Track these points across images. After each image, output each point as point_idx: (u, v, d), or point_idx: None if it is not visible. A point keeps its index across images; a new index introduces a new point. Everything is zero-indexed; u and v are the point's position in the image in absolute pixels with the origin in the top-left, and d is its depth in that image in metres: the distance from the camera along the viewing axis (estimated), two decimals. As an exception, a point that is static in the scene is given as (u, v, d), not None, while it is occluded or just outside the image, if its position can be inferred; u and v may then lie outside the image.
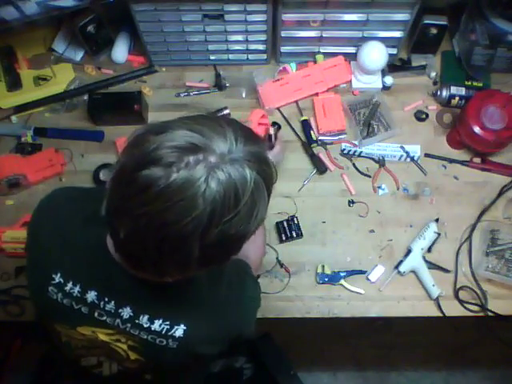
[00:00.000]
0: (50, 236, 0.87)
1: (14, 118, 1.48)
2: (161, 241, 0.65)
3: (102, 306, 0.83)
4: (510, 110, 1.31)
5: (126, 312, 0.83)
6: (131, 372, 0.96)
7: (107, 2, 1.28)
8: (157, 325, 0.83)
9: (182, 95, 1.50)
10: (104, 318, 0.84)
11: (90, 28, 1.44)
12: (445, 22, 1.41)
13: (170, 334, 0.83)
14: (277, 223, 1.33)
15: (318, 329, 1.97)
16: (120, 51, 1.52)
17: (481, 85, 1.48)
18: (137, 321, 0.83)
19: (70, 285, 0.83)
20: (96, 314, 0.84)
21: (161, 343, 0.84)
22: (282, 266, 1.30)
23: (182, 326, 0.83)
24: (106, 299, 0.83)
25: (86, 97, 1.48)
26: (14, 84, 1.49)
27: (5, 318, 1.28)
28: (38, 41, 1.53)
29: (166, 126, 0.66)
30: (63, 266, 0.85)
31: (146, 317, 0.83)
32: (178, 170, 0.61)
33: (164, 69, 1.54)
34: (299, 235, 1.32)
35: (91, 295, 0.83)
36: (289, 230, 1.32)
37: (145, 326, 0.83)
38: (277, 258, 1.31)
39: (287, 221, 1.33)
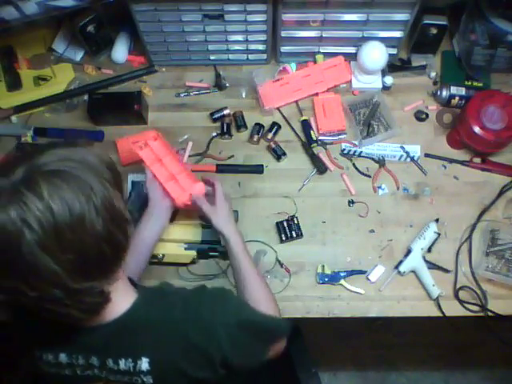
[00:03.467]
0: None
1: (14, 118, 1.48)
2: (26, 279, 0.67)
3: (76, 363, 0.84)
4: (510, 110, 1.31)
5: (95, 361, 0.83)
6: None
7: (107, 2, 1.28)
8: (122, 365, 0.82)
9: (182, 95, 1.50)
10: (86, 372, 0.84)
11: (90, 28, 1.44)
12: (445, 22, 1.41)
13: (137, 370, 0.82)
14: (277, 223, 1.33)
15: (318, 329, 1.97)
16: (120, 51, 1.52)
17: (481, 85, 1.48)
18: (107, 366, 0.83)
19: (45, 355, 0.84)
20: (79, 372, 0.84)
21: (137, 382, 0.83)
22: (282, 265, 1.30)
23: (145, 359, 0.81)
24: (74, 356, 0.83)
25: (86, 97, 1.48)
26: (14, 84, 1.49)
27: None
28: (38, 41, 1.53)
29: None
30: (37, 339, 0.86)
31: (111, 360, 0.82)
32: None
33: (164, 69, 1.54)
34: (299, 235, 1.32)
35: (63, 358, 0.84)
36: (289, 229, 1.32)
37: (115, 369, 0.83)
38: (277, 258, 1.31)
39: (287, 221, 1.33)
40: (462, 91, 1.44)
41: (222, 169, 1.40)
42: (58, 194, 0.66)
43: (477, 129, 1.31)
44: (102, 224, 0.69)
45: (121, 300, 0.82)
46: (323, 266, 1.29)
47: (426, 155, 1.42)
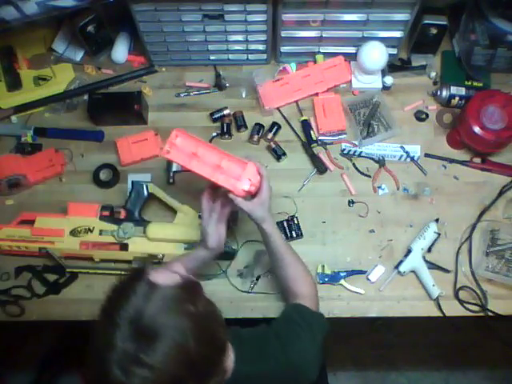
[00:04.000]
0: None
1: (13, 118, 1.48)
2: None
3: None
4: (510, 110, 1.31)
5: None
6: None
7: (107, 2, 1.28)
8: None
9: (182, 95, 1.50)
10: None
11: (90, 28, 1.44)
12: (445, 22, 1.41)
13: None
14: (277, 223, 1.32)
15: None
16: (120, 51, 1.52)
17: (481, 85, 1.48)
18: None
19: None
20: None
21: None
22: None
23: None
24: None
25: (86, 97, 1.48)
26: (14, 84, 1.49)
27: (5, 318, 1.28)
28: (38, 41, 1.53)
29: None
30: None
31: None
32: None
33: (164, 69, 1.54)
34: (299, 235, 1.32)
35: None
36: (289, 229, 1.32)
37: None
38: (277, 258, 1.31)
39: (287, 221, 1.33)
40: (462, 91, 1.43)
41: (221, 169, 1.40)
42: (158, 354, 0.72)
43: (477, 129, 1.31)
44: (200, 342, 0.76)
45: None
46: (323, 266, 1.29)
47: (426, 155, 1.42)
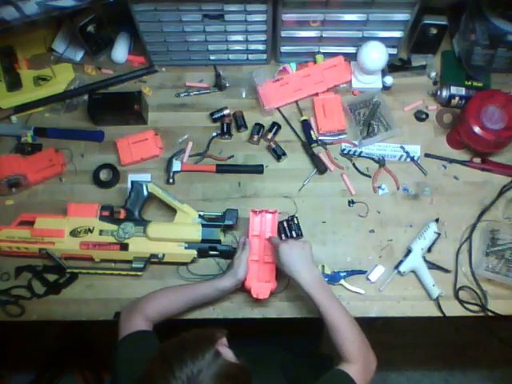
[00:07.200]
0: None
1: (13, 118, 1.48)
2: None
3: None
4: (510, 110, 1.31)
5: None
6: None
7: (107, 2, 1.28)
8: None
9: (182, 95, 1.50)
10: None
11: (90, 28, 1.44)
12: (445, 22, 1.41)
13: None
14: (277, 223, 1.33)
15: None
16: (120, 51, 1.52)
17: (481, 85, 1.48)
18: None
19: None
20: None
21: None
22: (282, 265, 1.30)
23: None
24: None
25: (86, 97, 1.48)
26: (14, 84, 1.49)
27: (5, 318, 1.28)
28: (38, 41, 1.53)
29: None
30: None
31: None
32: None
33: (164, 69, 1.54)
34: (299, 235, 1.32)
35: None
36: (289, 229, 1.32)
37: None
38: (277, 258, 1.31)
39: (287, 221, 1.33)
40: (462, 91, 1.44)
41: (221, 169, 1.40)
42: None
43: (477, 129, 1.31)
44: None
45: None
46: (323, 266, 1.29)
47: (426, 155, 1.42)
